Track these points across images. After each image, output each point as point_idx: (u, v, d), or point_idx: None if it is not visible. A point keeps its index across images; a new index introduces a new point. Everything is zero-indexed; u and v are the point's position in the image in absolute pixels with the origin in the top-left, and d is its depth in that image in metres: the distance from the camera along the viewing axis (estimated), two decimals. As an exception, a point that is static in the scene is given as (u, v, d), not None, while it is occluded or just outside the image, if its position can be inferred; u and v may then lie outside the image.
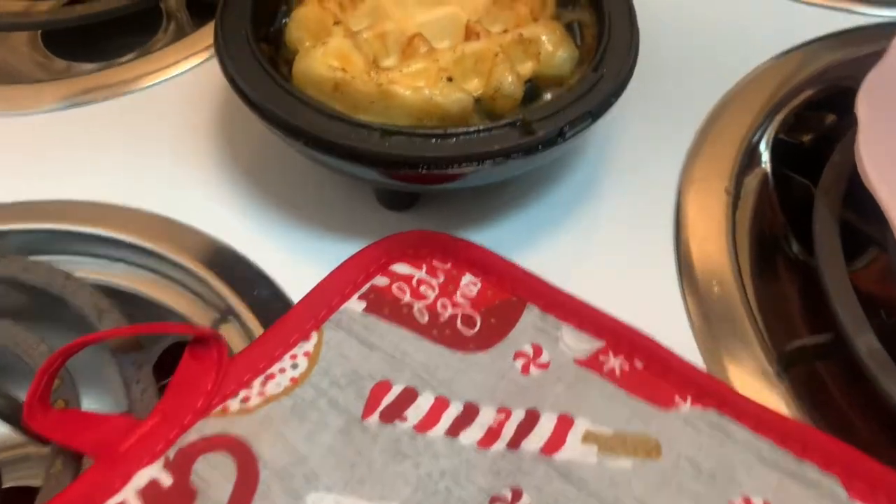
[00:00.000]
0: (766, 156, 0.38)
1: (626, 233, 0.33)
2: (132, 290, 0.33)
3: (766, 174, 0.38)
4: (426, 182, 0.30)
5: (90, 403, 0.29)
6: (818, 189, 0.34)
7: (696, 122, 0.38)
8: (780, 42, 0.43)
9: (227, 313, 0.31)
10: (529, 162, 0.30)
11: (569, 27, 0.34)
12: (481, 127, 0.29)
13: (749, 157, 0.37)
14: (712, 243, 0.33)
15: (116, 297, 0.33)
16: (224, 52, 0.31)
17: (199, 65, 0.41)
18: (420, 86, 0.29)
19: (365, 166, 0.29)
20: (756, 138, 0.38)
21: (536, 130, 0.29)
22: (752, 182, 0.37)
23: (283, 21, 0.33)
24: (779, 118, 0.39)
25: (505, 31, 0.31)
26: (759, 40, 0.43)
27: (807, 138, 0.40)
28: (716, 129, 0.38)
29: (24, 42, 0.48)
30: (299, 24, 0.31)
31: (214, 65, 0.34)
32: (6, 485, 0.35)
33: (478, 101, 0.30)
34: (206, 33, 0.43)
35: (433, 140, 0.29)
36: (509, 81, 0.29)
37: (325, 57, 0.29)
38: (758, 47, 0.42)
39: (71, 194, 0.34)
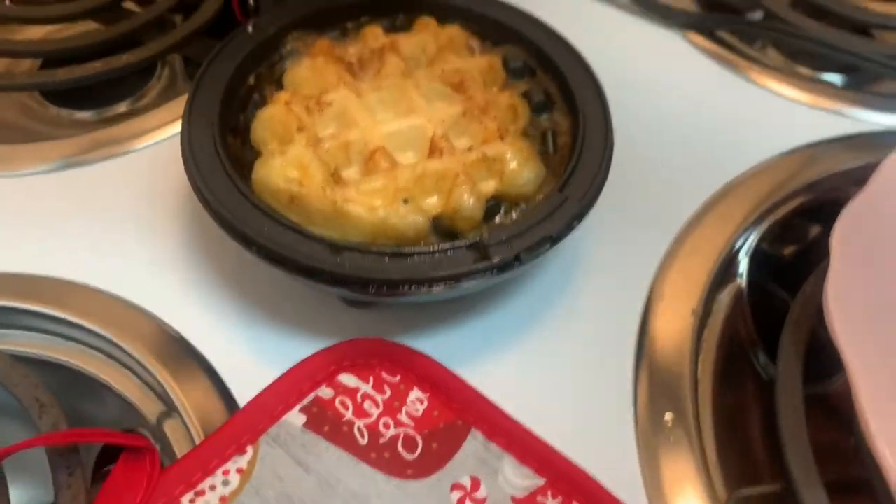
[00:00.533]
0: (743, 266, 0.37)
1: (583, 353, 0.33)
2: (81, 370, 0.33)
3: (741, 289, 0.37)
4: (378, 297, 0.30)
5: (20, 497, 0.29)
6: (786, 322, 0.33)
7: (674, 229, 0.37)
8: (774, 145, 0.41)
9: (172, 409, 0.31)
10: (484, 284, 0.29)
11: (543, 134, 0.33)
12: (435, 248, 0.28)
13: (725, 269, 0.36)
14: (673, 370, 0.32)
15: (64, 377, 0.33)
16: (188, 147, 0.31)
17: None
18: (376, 205, 0.28)
19: (314, 281, 0.28)
20: (736, 248, 0.37)
21: (492, 256, 0.28)
22: (725, 297, 0.36)
23: (254, 112, 0.33)
24: (763, 227, 0.38)
25: (470, 149, 0.30)
26: (751, 142, 0.41)
27: (788, 251, 0.39)
28: (693, 237, 0.37)
29: (17, 86, 0.48)
30: (263, 126, 0.31)
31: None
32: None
33: (437, 217, 0.29)
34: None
35: (385, 259, 0.28)
36: (469, 205, 0.29)
37: (282, 167, 0.29)
38: (749, 150, 0.41)
39: (29, 267, 0.34)
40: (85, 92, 0.46)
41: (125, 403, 0.32)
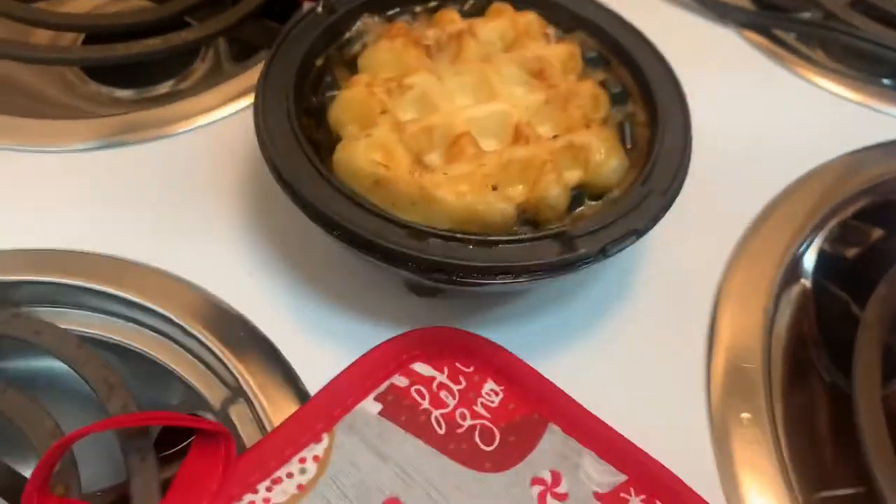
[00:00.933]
0: (808, 268, 0.37)
1: (656, 347, 0.32)
2: (143, 352, 0.32)
3: (806, 290, 0.36)
4: (462, 286, 0.29)
5: (90, 478, 0.28)
6: (861, 324, 0.32)
7: (741, 227, 0.37)
8: (830, 147, 0.41)
9: (238, 393, 0.30)
10: (567, 275, 0.29)
11: (620, 125, 0.33)
12: (521, 237, 0.28)
13: (791, 270, 0.36)
14: (746, 367, 0.32)
15: (126, 359, 0.32)
16: (264, 128, 0.30)
17: (235, 113, 0.40)
18: (463, 191, 0.27)
19: (398, 267, 0.28)
20: (801, 249, 0.37)
21: (579, 247, 0.28)
22: (792, 298, 0.36)
23: (327, 94, 0.32)
24: (825, 230, 0.38)
25: (555, 137, 0.29)
26: (809, 144, 0.41)
27: (851, 253, 0.38)
28: (759, 236, 0.37)
29: (60, 62, 0.47)
30: (344, 108, 0.30)
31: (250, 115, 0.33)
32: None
33: (520, 205, 0.29)
34: (247, 76, 0.42)
35: (470, 246, 0.27)
36: (555, 194, 0.28)
37: (367, 150, 0.28)
38: (807, 151, 0.40)
39: (88, 246, 0.33)
40: (127, 70, 0.45)
41: (188, 388, 0.32)
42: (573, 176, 0.29)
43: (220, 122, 0.39)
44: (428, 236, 0.27)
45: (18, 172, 0.36)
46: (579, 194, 0.30)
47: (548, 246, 0.28)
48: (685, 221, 0.37)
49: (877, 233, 0.39)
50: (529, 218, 0.29)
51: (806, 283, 0.36)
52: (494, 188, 0.27)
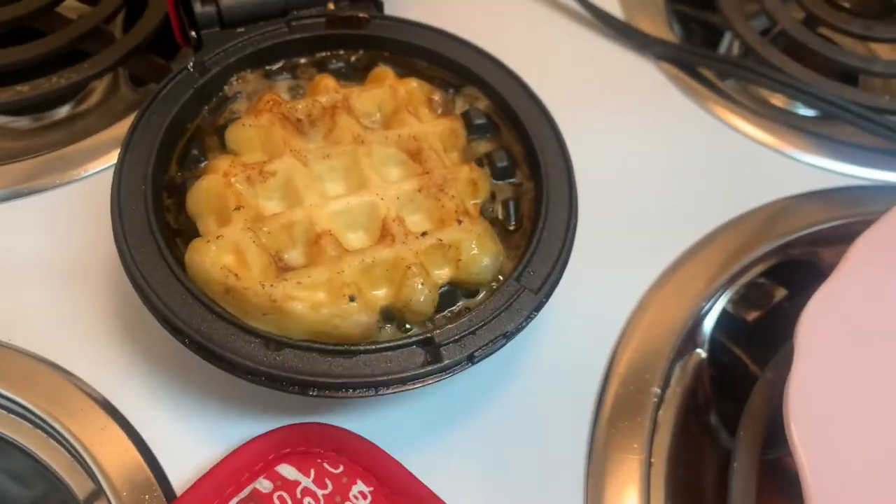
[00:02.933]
0: (707, 334, 0.36)
1: (537, 434, 0.31)
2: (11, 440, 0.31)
3: (701, 360, 0.36)
4: (319, 398, 0.27)
5: None
6: (744, 412, 0.32)
7: (637, 294, 0.36)
8: (746, 196, 0.39)
9: (100, 491, 0.29)
10: (433, 384, 0.27)
11: (505, 204, 0.31)
12: (384, 344, 0.27)
13: (688, 338, 0.35)
14: (629, 457, 0.31)
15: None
16: (118, 214, 0.28)
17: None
18: (319, 302, 0.26)
19: (249, 381, 0.26)
20: (702, 314, 0.36)
21: (444, 357, 0.27)
22: (686, 368, 0.35)
23: (191, 170, 0.30)
24: (730, 292, 0.37)
25: (424, 234, 0.28)
26: (722, 193, 0.39)
27: (752, 316, 0.37)
28: (657, 303, 0.36)
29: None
30: (200, 199, 0.28)
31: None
32: None
33: (384, 309, 0.27)
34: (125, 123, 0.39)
35: (328, 358, 0.26)
36: (420, 300, 0.27)
37: (217, 255, 0.26)
38: (720, 201, 0.39)
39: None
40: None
41: (56, 480, 0.30)
42: (443, 274, 0.28)
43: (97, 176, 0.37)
44: (282, 347, 0.26)
45: None
46: (452, 291, 0.28)
47: (411, 354, 0.27)
48: (581, 282, 0.35)
49: (780, 293, 0.38)
50: (395, 315, 0.28)
51: (701, 352, 0.35)
52: (352, 299, 0.26)
